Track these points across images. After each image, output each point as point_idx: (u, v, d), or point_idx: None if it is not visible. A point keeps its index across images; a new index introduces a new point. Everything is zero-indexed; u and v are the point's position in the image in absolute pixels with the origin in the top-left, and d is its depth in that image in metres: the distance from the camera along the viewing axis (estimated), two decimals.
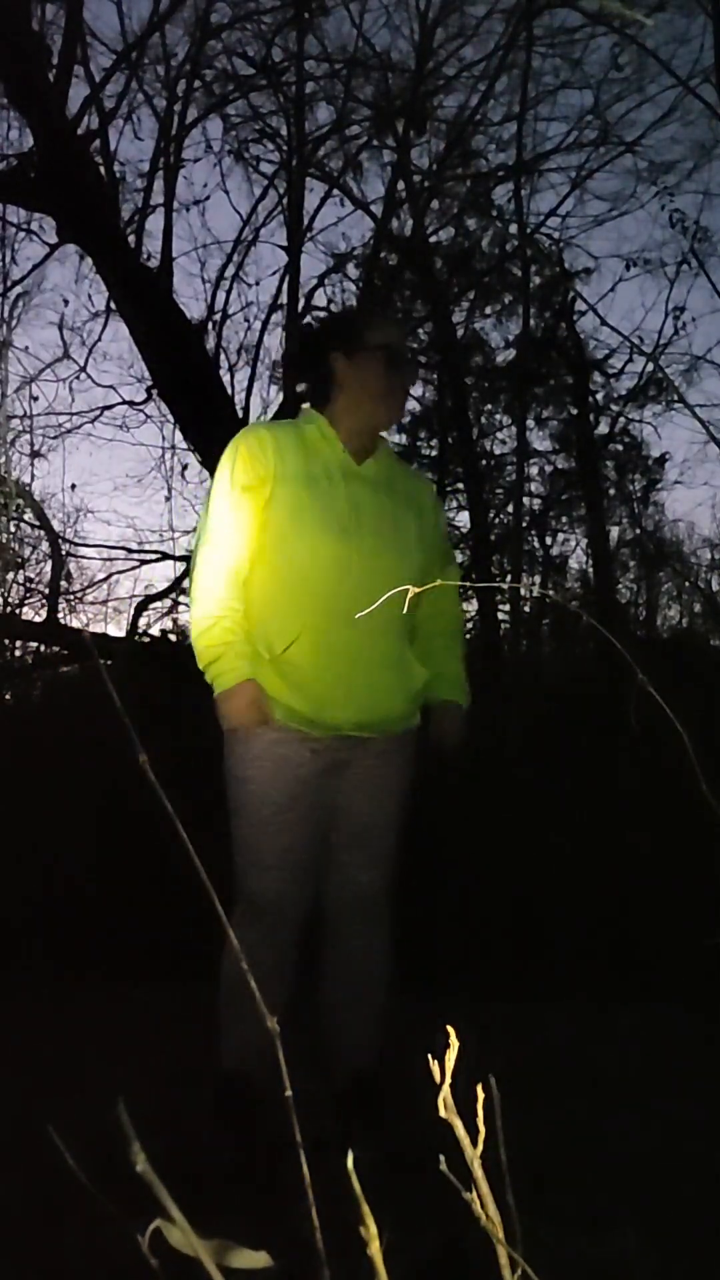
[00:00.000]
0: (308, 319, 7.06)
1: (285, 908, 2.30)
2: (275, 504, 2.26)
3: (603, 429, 8.33)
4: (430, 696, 2.43)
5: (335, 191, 7.30)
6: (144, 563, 7.80)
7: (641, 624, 9.13)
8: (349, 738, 2.30)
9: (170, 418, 6.91)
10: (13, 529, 7.42)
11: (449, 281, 7.76)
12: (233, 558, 2.27)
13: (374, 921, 2.41)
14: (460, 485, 8.10)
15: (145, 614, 7.42)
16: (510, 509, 7.96)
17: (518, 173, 7.03)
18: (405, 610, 2.19)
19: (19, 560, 7.51)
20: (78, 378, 7.27)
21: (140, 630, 7.28)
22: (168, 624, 7.33)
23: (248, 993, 2.18)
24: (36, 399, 7.27)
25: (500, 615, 7.44)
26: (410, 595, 1.67)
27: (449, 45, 7.12)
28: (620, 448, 8.56)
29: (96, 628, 7.72)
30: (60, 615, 7.30)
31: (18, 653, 7.23)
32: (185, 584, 7.29)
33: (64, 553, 7.59)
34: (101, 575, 8.00)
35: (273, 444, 2.31)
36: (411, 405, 8.64)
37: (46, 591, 7.37)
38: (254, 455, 2.30)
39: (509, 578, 7.45)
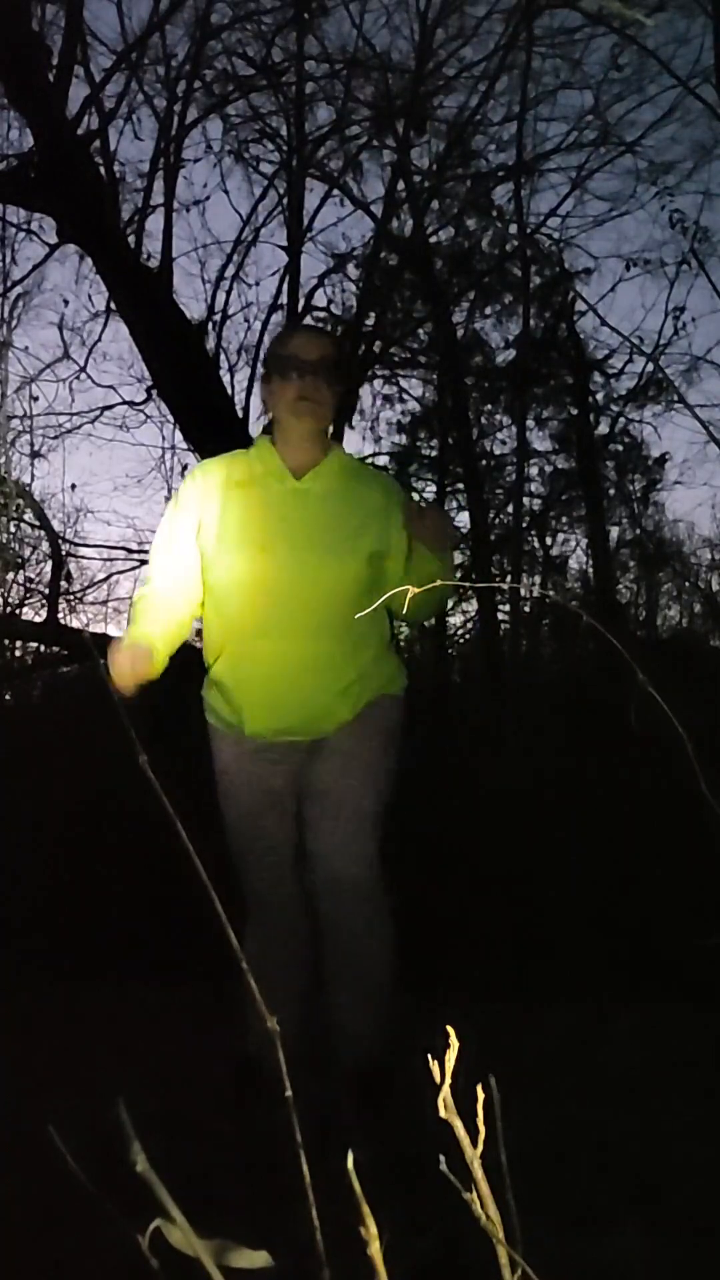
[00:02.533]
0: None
1: (278, 902, 2.43)
2: (203, 533, 2.40)
3: (603, 429, 8.34)
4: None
5: (335, 191, 7.31)
6: (144, 563, 7.76)
7: (641, 624, 9.14)
8: (295, 743, 2.40)
9: (170, 418, 6.91)
10: (13, 529, 7.42)
11: (449, 281, 7.76)
12: (160, 580, 2.44)
13: (358, 903, 2.36)
14: (460, 485, 8.10)
15: None
16: (510, 509, 7.97)
17: (518, 173, 7.03)
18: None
19: (19, 560, 7.51)
20: (78, 378, 7.28)
21: None
22: None
23: (265, 984, 2.25)
24: (36, 399, 7.28)
25: (500, 615, 7.44)
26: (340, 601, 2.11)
27: (449, 45, 7.12)
28: (620, 448, 8.58)
29: (96, 628, 7.73)
30: (60, 615, 7.30)
31: (18, 653, 7.22)
32: None
33: (64, 553, 7.58)
34: (101, 575, 8.02)
35: (204, 479, 2.45)
36: (411, 405, 8.66)
37: (46, 592, 7.36)
38: (187, 490, 2.45)
39: (509, 578, 7.46)
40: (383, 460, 8.68)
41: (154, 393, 7.03)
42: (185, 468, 7.33)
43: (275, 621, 2.33)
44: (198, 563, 2.42)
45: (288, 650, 2.33)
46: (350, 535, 2.37)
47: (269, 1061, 2.30)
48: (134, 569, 7.90)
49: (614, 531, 8.81)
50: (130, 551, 7.87)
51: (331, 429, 2.56)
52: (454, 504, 8.40)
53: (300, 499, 2.38)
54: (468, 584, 7.29)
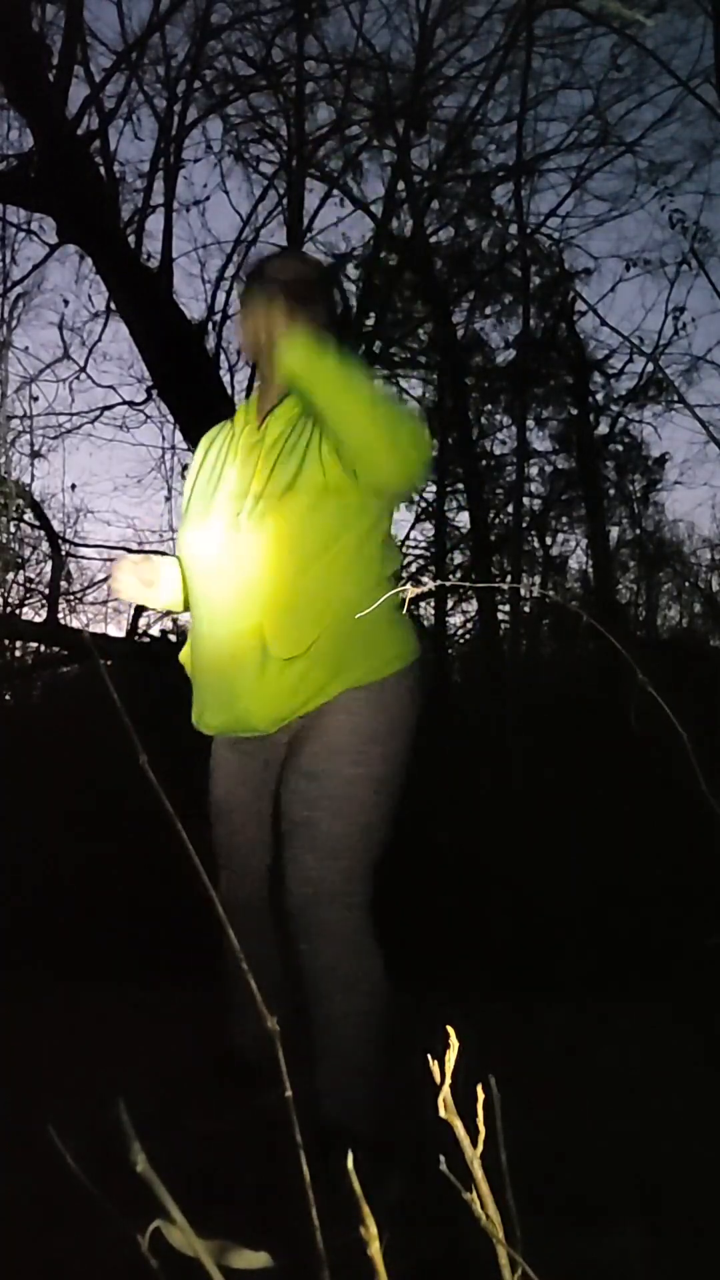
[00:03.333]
0: None
1: (240, 903, 2.19)
2: (186, 512, 2.25)
3: (603, 429, 8.34)
4: None
5: (335, 191, 7.31)
6: None
7: (641, 624, 9.14)
8: (256, 738, 2.14)
9: (170, 418, 6.92)
10: (13, 529, 7.42)
11: (449, 281, 7.76)
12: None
13: (334, 951, 2.01)
14: (460, 485, 8.10)
15: (145, 614, 7.43)
16: (510, 509, 7.96)
17: (518, 173, 7.03)
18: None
19: (19, 560, 7.51)
20: (78, 378, 7.29)
21: (140, 630, 7.28)
22: (168, 624, 7.34)
23: (238, 983, 2.18)
24: (36, 399, 7.28)
25: (500, 615, 7.45)
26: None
27: (449, 45, 7.12)
28: (620, 448, 8.57)
29: (96, 628, 7.74)
30: (60, 615, 7.31)
31: (18, 653, 7.23)
32: None
33: (64, 553, 7.59)
34: (101, 575, 8.02)
35: (200, 451, 2.31)
36: (411, 405, 8.65)
37: (46, 591, 7.37)
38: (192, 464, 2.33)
39: (509, 578, 7.45)
40: None
41: (154, 393, 7.04)
42: (185, 468, 7.33)
43: (211, 597, 2.06)
44: None
45: (219, 631, 2.04)
46: (290, 477, 2.01)
47: (257, 1054, 2.16)
48: None
49: (614, 531, 8.81)
50: (130, 551, 7.87)
51: None
52: (454, 504, 8.41)
53: (249, 452, 2.09)
54: (468, 584, 7.30)
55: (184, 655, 2.24)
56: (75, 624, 7.51)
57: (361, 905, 2.03)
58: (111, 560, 7.86)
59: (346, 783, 2.03)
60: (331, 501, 2.02)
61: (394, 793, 2.09)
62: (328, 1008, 2.01)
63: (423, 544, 8.69)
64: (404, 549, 8.65)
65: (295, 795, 2.05)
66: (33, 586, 7.66)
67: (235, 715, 2.07)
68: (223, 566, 2.05)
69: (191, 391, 6.19)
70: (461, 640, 8.63)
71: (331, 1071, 2.01)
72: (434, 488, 8.27)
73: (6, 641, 7.03)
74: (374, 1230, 0.65)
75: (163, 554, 2.36)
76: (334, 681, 2.05)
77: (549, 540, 9.24)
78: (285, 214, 7.20)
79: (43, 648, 7.22)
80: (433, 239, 7.62)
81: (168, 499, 8.84)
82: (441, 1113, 0.73)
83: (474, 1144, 0.72)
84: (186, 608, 2.27)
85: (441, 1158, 0.72)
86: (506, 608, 7.44)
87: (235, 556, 2.03)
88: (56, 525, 7.68)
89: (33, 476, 7.84)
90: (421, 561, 8.64)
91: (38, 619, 7.32)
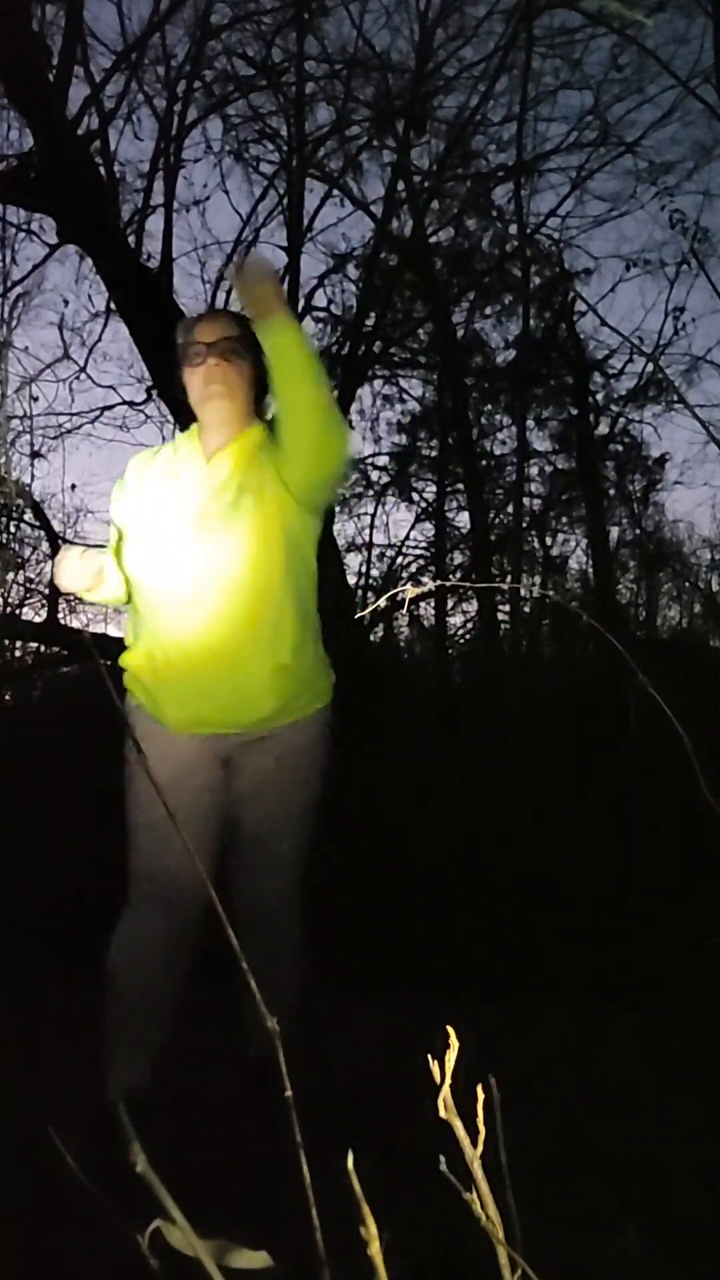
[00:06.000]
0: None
1: (167, 891, 2.29)
2: (129, 527, 2.41)
3: (603, 429, 8.33)
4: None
5: (335, 191, 7.31)
6: None
7: (641, 624, 9.14)
8: (218, 735, 2.32)
9: (170, 418, 6.91)
10: (13, 529, 7.41)
11: (449, 281, 7.76)
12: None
13: (280, 920, 2.45)
14: (460, 485, 8.10)
15: None
16: (510, 509, 7.96)
17: (518, 173, 7.03)
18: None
19: (19, 560, 7.50)
20: (78, 378, 7.29)
21: None
22: None
23: (125, 977, 2.45)
24: (36, 399, 7.27)
25: (500, 615, 7.44)
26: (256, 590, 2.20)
27: (449, 45, 7.13)
28: (620, 448, 8.56)
29: (96, 628, 7.71)
30: (60, 615, 7.29)
31: (18, 653, 7.22)
32: None
33: None
34: None
35: (135, 472, 2.46)
36: (411, 405, 8.66)
37: (46, 592, 7.35)
38: (116, 488, 2.47)
39: (509, 578, 7.46)
40: (383, 460, 8.69)
41: (154, 393, 7.04)
42: None
43: (187, 608, 2.28)
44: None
45: (199, 636, 2.27)
46: (255, 508, 2.30)
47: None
48: None
49: (614, 531, 8.80)
50: None
51: (255, 404, 2.43)
52: (454, 504, 8.41)
53: (208, 482, 2.34)
54: (468, 584, 7.30)
55: (135, 658, 2.36)
56: (75, 624, 7.49)
57: (300, 898, 2.47)
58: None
59: (307, 806, 2.43)
60: (290, 523, 2.33)
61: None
62: (266, 954, 2.26)
63: (423, 544, 8.70)
64: (404, 549, 8.67)
65: (264, 817, 2.38)
66: (33, 586, 7.64)
67: (222, 709, 2.29)
68: (197, 582, 2.28)
69: None
70: (461, 640, 8.64)
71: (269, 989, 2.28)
72: (434, 488, 8.27)
73: (6, 641, 7.02)
74: (374, 1230, 0.65)
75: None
76: (310, 698, 2.38)
77: (549, 540, 9.24)
78: (285, 214, 7.22)
79: (43, 648, 7.22)
80: (433, 239, 7.63)
81: None
82: (441, 1113, 0.73)
83: (474, 1144, 0.72)
84: (127, 601, 2.45)
85: (441, 1158, 0.72)
86: (506, 608, 7.45)
87: (209, 573, 2.27)
88: (56, 525, 7.66)
89: (33, 476, 7.83)
90: (421, 561, 8.65)
91: (38, 619, 7.31)
